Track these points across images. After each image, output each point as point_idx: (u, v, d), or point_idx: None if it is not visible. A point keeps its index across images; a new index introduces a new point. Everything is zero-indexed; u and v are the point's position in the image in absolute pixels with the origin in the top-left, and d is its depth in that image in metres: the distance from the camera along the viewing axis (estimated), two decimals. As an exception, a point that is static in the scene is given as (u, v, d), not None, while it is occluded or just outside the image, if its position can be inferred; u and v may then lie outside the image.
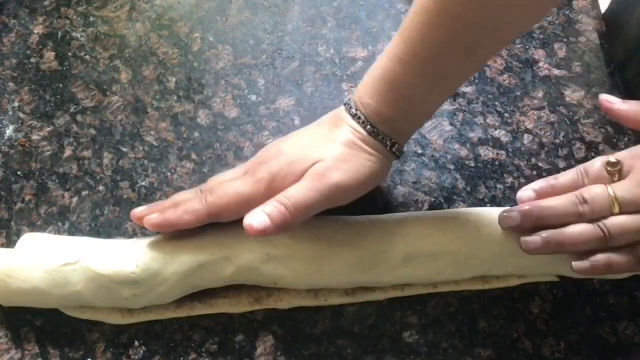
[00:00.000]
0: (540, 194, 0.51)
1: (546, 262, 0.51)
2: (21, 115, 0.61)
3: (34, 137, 0.60)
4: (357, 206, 0.56)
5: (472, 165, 0.58)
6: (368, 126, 0.49)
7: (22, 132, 0.60)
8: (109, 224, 0.56)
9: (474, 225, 0.52)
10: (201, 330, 0.52)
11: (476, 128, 0.60)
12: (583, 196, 0.49)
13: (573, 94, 0.62)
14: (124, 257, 0.50)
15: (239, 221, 0.47)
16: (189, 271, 0.50)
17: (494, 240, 0.51)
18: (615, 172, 0.49)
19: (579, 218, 0.48)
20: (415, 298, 0.53)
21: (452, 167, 0.58)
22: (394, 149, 0.50)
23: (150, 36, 0.64)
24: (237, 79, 0.62)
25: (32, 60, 0.63)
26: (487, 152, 0.59)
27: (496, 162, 0.58)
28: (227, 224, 0.51)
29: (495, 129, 0.60)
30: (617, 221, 0.48)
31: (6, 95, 0.61)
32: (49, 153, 0.59)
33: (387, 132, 0.50)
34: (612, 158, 0.50)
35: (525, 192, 0.52)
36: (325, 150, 0.49)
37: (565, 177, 0.51)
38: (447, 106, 0.61)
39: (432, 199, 0.57)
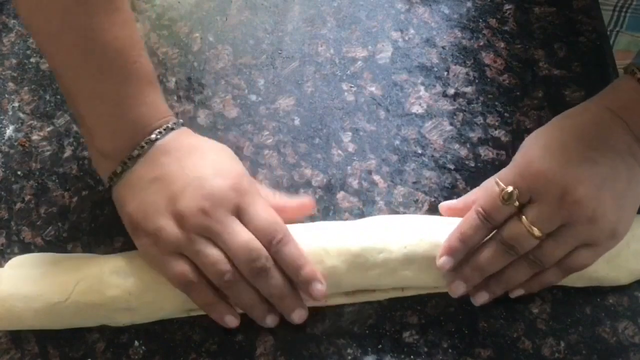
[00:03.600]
0: (457, 257, 0.50)
1: None
2: (21, 115, 0.61)
3: (34, 137, 0.60)
4: (357, 207, 0.56)
5: (472, 165, 0.58)
6: None
7: (22, 132, 0.60)
8: (109, 224, 0.56)
9: None
10: (201, 330, 0.52)
11: (476, 128, 0.60)
12: (509, 243, 0.49)
13: (573, 94, 0.62)
14: (117, 286, 0.50)
15: None
16: (183, 299, 0.50)
17: None
18: (514, 201, 0.48)
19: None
20: (415, 298, 0.53)
21: (452, 167, 0.58)
22: None
23: (150, 36, 0.64)
24: (237, 79, 0.62)
25: (32, 60, 0.63)
26: (487, 152, 0.59)
27: (496, 162, 0.58)
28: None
29: (495, 129, 0.60)
30: (547, 251, 0.49)
31: (6, 95, 0.61)
32: (49, 153, 0.59)
33: None
34: (502, 186, 0.48)
35: (445, 263, 0.50)
36: None
37: (471, 229, 0.50)
38: (447, 106, 0.61)
39: (432, 199, 0.57)
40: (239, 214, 0.49)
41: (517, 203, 0.48)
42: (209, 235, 0.48)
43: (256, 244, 0.48)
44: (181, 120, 0.53)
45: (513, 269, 0.50)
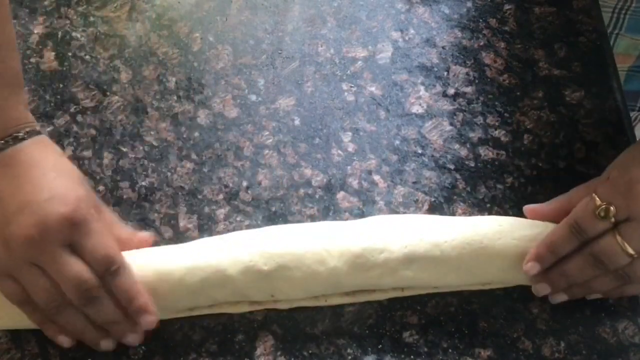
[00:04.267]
0: (545, 265, 0.50)
1: None
2: (21, 115, 0.61)
3: (34, 137, 0.60)
4: (357, 207, 0.56)
5: (472, 165, 0.58)
6: None
7: (22, 132, 0.60)
8: (109, 224, 0.56)
9: (476, 237, 0.51)
10: (201, 330, 0.52)
11: (476, 128, 0.60)
12: (600, 258, 0.49)
13: (573, 94, 0.62)
14: None
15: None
16: (181, 298, 0.50)
17: (498, 253, 0.51)
18: (610, 218, 0.48)
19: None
20: (415, 298, 0.53)
21: (452, 167, 0.58)
22: None
23: (150, 36, 0.64)
24: (237, 79, 0.62)
25: (32, 60, 0.63)
26: (487, 152, 0.59)
27: (496, 162, 0.58)
28: (220, 242, 0.51)
29: (495, 129, 0.60)
30: (637, 268, 0.48)
31: (6, 95, 0.61)
32: (49, 153, 0.59)
33: None
34: (599, 202, 0.48)
35: (531, 268, 0.50)
36: None
37: (562, 240, 0.50)
38: (447, 106, 0.61)
39: (432, 199, 0.57)
40: (72, 243, 0.47)
41: (613, 220, 0.48)
42: (37, 263, 0.46)
43: (86, 275, 0.46)
44: (38, 129, 0.50)
45: (599, 279, 0.50)
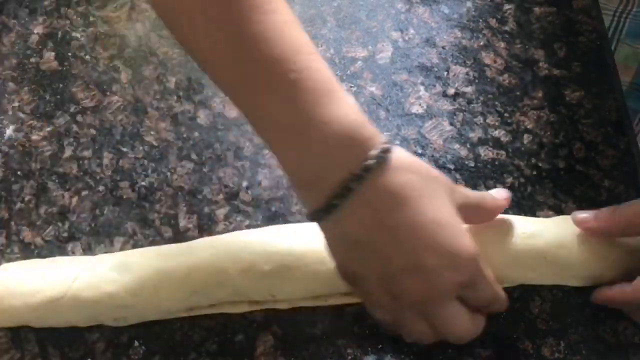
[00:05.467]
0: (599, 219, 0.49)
1: (553, 275, 0.52)
2: (21, 115, 0.61)
3: (34, 137, 0.60)
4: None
5: (472, 165, 0.58)
6: None
7: (22, 132, 0.60)
8: (109, 224, 0.56)
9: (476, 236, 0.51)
10: (201, 330, 0.52)
11: (476, 128, 0.60)
12: None
13: (573, 94, 0.62)
14: (113, 282, 0.49)
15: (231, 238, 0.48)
16: (181, 298, 0.50)
17: (498, 252, 0.51)
18: None
19: None
20: (415, 298, 0.53)
21: (452, 167, 0.58)
22: None
23: (150, 36, 0.64)
24: (237, 79, 0.62)
25: (32, 60, 0.63)
26: (487, 152, 0.59)
27: (496, 162, 0.58)
28: (220, 242, 0.51)
29: (495, 129, 0.60)
30: None
31: (6, 95, 0.61)
32: (49, 153, 0.59)
33: None
34: None
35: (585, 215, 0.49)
36: None
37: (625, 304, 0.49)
38: (447, 106, 0.61)
39: (432, 199, 0.57)
40: (459, 296, 0.45)
41: None
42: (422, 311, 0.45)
43: (471, 329, 0.46)
44: (387, 134, 0.45)
45: None
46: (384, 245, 0.42)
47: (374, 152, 0.41)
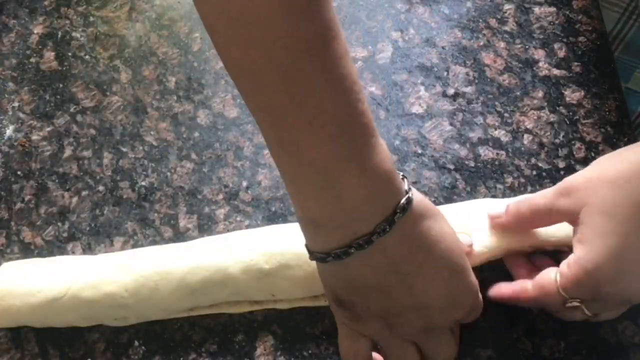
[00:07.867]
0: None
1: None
2: (21, 115, 0.61)
3: (34, 137, 0.60)
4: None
5: (472, 165, 0.58)
6: None
7: (22, 132, 0.60)
8: (109, 224, 0.56)
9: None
10: (201, 330, 0.52)
11: (476, 128, 0.60)
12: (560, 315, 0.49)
13: (573, 94, 0.62)
14: (113, 282, 0.49)
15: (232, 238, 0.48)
16: (181, 298, 0.50)
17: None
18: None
19: None
20: (415, 298, 0.53)
21: (452, 167, 0.58)
22: None
23: (150, 36, 0.64)
24: (237, 79, 0.62)
25: (32, 60, 0.63)
26: (487, 152, 0.59)
27: (496, 162, 0.58)
28: (220, 242, 0.51)
29: (495, 129, 0.60)
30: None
31: (6, 95, 0.61)
32: (49, 153, 0.59)
33: None
34: (566, 297, 0.45)
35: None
36: None
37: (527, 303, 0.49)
38: (447, 106, 0.61)
39: (432, 199, 0.57)
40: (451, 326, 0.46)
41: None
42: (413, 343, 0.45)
43: (456, 350, 0.47)
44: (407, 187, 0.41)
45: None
46: (392, 288, 0.42)
47: (400, 204, 0.40)
